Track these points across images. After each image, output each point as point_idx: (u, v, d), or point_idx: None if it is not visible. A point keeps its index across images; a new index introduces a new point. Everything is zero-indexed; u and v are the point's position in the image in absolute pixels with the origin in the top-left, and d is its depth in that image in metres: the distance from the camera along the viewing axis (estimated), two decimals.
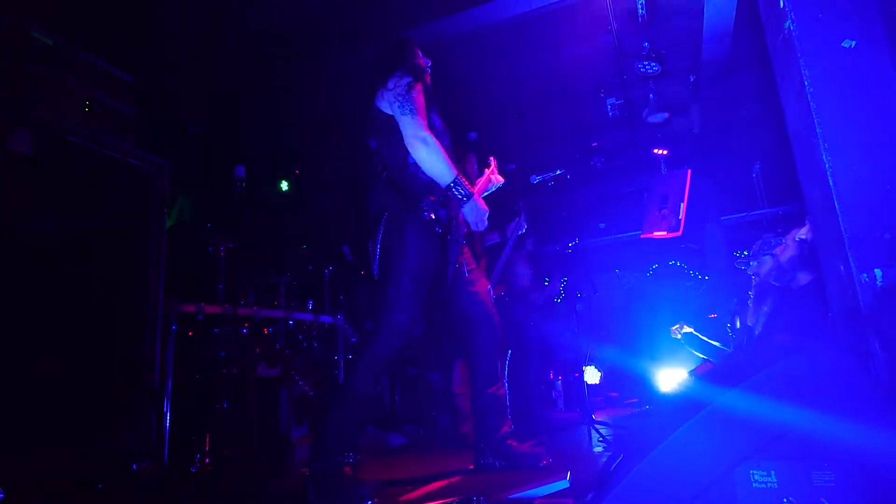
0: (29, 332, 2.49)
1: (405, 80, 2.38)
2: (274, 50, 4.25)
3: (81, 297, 2.72)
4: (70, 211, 2.73)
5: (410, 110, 2.32)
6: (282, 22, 3.95)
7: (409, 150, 2.32)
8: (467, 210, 2.36)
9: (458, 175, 2.32)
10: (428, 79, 2.59)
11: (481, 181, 2.78)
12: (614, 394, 6.83)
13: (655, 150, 6.34)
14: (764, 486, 1.17)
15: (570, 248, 4.34)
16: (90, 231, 2.80)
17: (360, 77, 3.30)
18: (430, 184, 2.38)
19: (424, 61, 2.63)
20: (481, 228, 2.44)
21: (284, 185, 5.51)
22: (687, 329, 4.73)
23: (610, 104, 5.54)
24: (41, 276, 2.58)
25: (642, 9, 4.02)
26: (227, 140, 4.93)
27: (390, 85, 2.39)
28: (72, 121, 2.81)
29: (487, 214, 2.41)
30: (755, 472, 1.18)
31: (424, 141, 2.29)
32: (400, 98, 2.34)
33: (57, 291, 2.62)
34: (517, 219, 4.09)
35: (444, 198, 2.39)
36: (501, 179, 2.85)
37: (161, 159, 3.20)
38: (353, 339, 4.54)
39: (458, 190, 2.32)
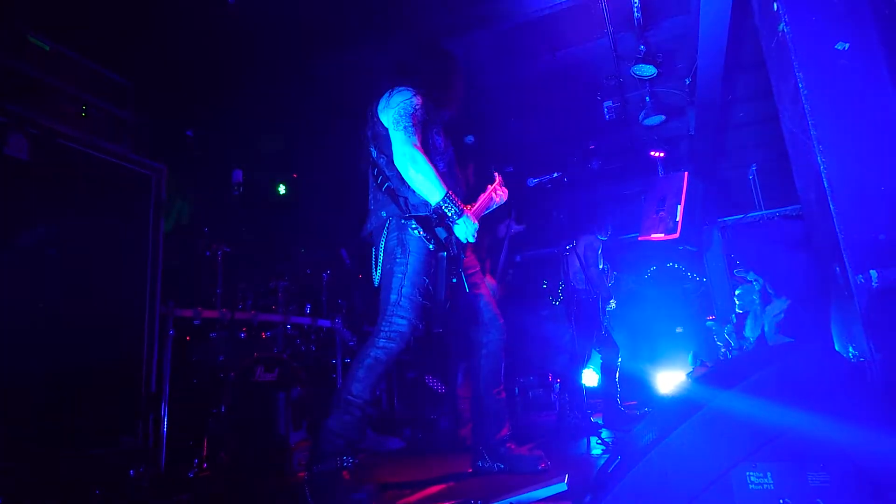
0: (25, 337, 2.49)
1: (411, 101, 2.36)
2: (272, 53, 4.26)
3: (78, 301, 2.71)
4: (67, 216, 2.73)
5: (404, 127, 2.30)
6: (279, 24, 3.95)
7: (398, 168, 2.32)
8: (457, 229, 2.36)
9: (447, 193, 2.30)
10: (452, 90, 2.59)
11: (483, 198, 2.68)
12: None
13: (652, 153, 6.36)
14: (760, 487, 1.17)
15: (567, 250, 4.35)
16: (87, 236, 2.80)
17: (363, 78, 3.30)
18: None
19: (443, 78, 2.58)
20: (471, 240, 2.42)
21: (282, 189, 5.51)
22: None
23: (607, 107, 5.55)
24: (38, 281, 2.57)
25: (638, 12, 4.04)
26: (224, 144, 4.93)
27: (394, 99, 2.38)
28: (68, 125, 2.81)
29: (476, 229, 2.41)
30: (751, 473, 1.18)
31: (413, 160, 2.27)
32: (398, 114, 2.33)
33: (54, 296, 2.62)
34: (507, 220, 4.05)
35: (441, 213, 2.36)
36: (505, 195, 2.79)
37: (158, 164, 3.20)
38: (352, 343, 4.53)
39: (448, 208, 2.31)
